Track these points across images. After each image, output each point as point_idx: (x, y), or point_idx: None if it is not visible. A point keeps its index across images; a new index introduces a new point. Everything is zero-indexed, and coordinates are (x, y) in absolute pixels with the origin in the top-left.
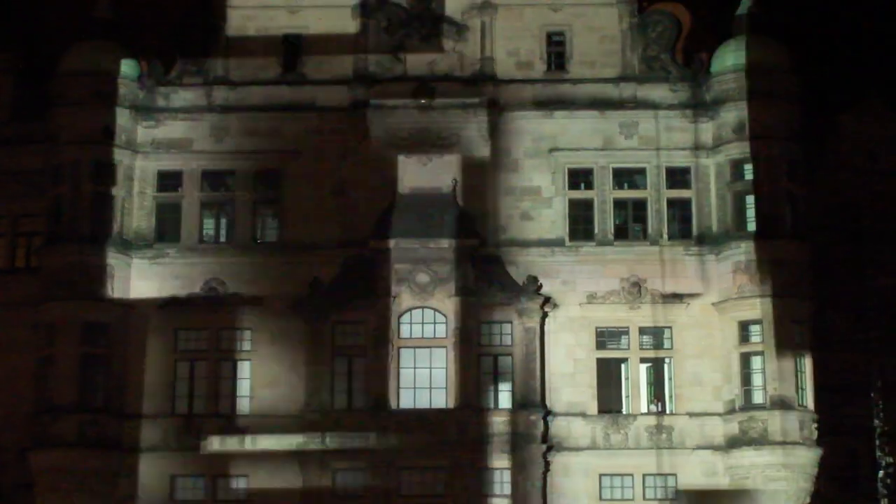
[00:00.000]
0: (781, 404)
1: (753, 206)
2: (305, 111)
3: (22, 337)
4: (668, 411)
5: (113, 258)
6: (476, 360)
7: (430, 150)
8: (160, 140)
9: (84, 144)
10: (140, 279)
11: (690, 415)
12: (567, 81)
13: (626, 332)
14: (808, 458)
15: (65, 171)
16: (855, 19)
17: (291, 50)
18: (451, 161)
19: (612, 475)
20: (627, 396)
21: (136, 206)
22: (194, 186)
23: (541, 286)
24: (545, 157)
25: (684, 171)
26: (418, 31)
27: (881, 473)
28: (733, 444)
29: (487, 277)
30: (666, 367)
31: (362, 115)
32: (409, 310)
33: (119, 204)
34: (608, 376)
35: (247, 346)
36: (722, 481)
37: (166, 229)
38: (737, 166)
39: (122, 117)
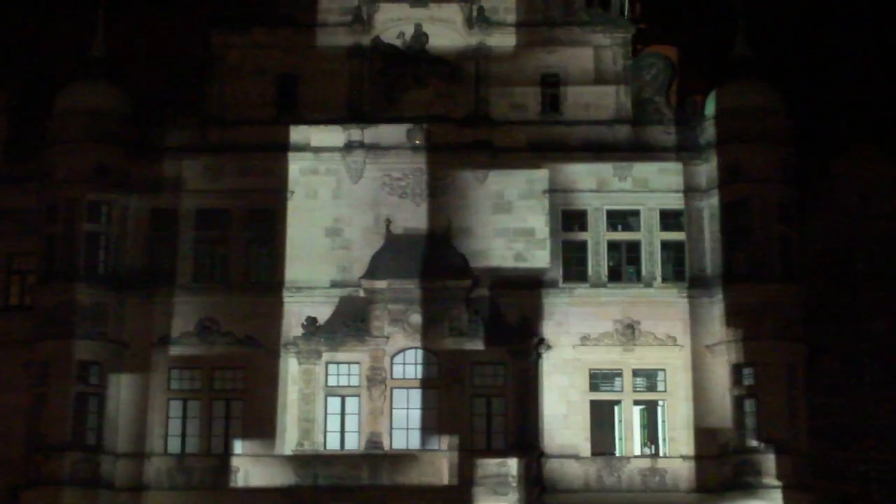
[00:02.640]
0: (775, 448)
1: (746, 248)
2: (300, 151)
3: (15, 375)
4: (661, 454)
5: (107, 296)
6: (469, 402)
7: (424, 190)
8: (154, 179)
9: (78, 183)
10: (134, 317)
11: (684, 457)
12: (561, 123)
13: (620, 375)
14: (801, 501)
15: (59, 209)
16: (849, 63)
17: (286, 90)
18: (445, 202)
19: None
20: (621, 439)
21: (129, 245)
22: (188, 225)
23: (534, 327)
24: (539, 199)
25: (678, 214)
26: (413, 72)
27: None
28: (727, 487)
29: (481, 318)
30: (659, 409)
31: (356, 155)
32: (403, 350)
33: (113, 242)
34: (602, 418)
35: (240, 385)
36: None
37: (160, 267)
38: (729, 209)
39: (117, 156)
